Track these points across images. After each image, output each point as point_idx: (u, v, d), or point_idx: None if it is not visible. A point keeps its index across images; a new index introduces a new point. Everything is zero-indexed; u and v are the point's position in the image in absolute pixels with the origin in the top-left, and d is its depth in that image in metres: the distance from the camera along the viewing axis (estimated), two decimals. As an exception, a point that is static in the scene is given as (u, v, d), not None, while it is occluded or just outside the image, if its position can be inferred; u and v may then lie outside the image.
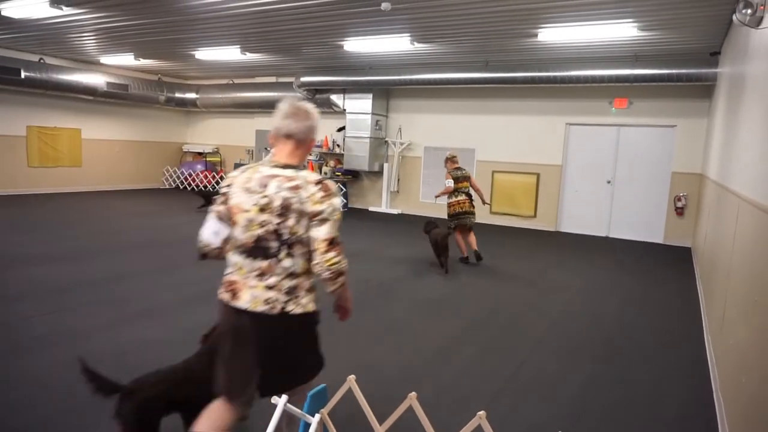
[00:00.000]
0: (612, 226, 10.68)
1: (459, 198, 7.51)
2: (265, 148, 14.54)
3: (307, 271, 2.26)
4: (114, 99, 13.53)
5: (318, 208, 2.12)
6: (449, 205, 7.57)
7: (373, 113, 12.42)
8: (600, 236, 10.65)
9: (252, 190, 2.18)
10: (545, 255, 8.49)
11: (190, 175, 15.41)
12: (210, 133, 16.19)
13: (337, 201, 2.22)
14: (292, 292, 2.22)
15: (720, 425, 3.21)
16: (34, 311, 4.67)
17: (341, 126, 13.12)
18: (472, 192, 7.66)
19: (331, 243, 2.14)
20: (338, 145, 13.38)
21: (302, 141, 2.28)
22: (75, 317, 4.57)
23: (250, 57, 11.16)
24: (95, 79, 12.78)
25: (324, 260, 2.14)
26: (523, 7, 6.65)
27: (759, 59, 3.81)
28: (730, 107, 5.59)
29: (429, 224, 7.39)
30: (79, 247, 7.30)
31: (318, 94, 12.91)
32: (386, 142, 12.95)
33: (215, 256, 2.38)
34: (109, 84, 13.02)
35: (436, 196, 7.87)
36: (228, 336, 2.27)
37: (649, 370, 4.06)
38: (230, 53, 10.77)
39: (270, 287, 2.18)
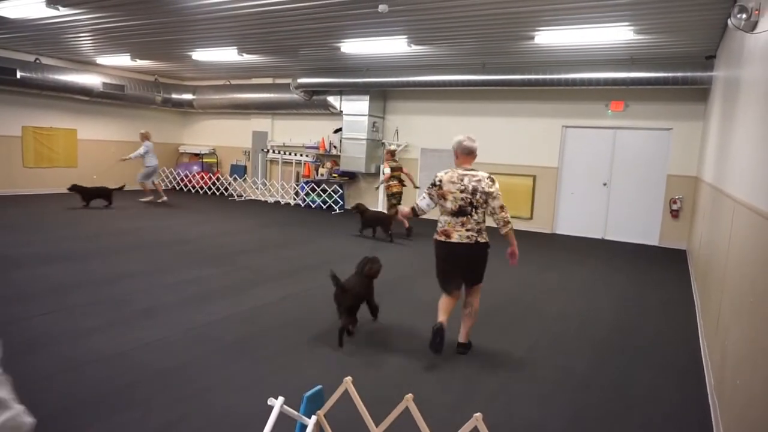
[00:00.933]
0: (608, 228, 10.71)
1: (392, 182, 9.70)
2: (262, 149, 14.53)
3: (484, 222, 4.16)
4: (110, 99, 13.50)
5: (491, 189, 4.09)
6: (387, 187, 9.77)
7: (369, 115, 12.43)
8: (596, 238, 10.68)
9: (454, 182, 4.13)
10: (541, 257, 8.50)
11: (186, 176, 15.38)
12: (206, 135, 16.16)
13: (498, 185, 4.16)
14: (479, 232, 4.13)
15: (714, 427, 3.23)
16: (33, 312, 4.65)
17: (338, 128, 13.13)
18: (403, 178, 9.88)
19: (502, 207, 4.09)
20: (335, 147, 13.38)
21: (475, 154, 4.32)
22: (73, 318, 4.55)
23: (247, 58, 11.15)
24: (91, 80, 12.75)
25: (500, 217, 4.09)
26: (520, 10, 6.68)
27: (754, 63, 3.83)
28: (726, 111, 5.62)
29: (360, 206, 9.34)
30: (75, 247, 7.28)
31: (315, 95, 12.92)
32: (383, 143, 12.96)
33: (421, 215, 4.38)
34: (105, 84, 13.00)
35: (381, 183, 9.97)
36: (445, 258, 4.20)
37: (644, 371, 4.08)
38: (227, 54, 10.76)
39: (468, 230, 4.10)
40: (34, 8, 7.77)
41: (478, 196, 4.04)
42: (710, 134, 7.48)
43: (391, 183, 9.77)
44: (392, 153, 10.08)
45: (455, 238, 4.07)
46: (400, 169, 9.95)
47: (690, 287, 6.88)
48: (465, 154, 4.22)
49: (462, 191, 4.05)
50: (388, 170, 9.69)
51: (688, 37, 7.55)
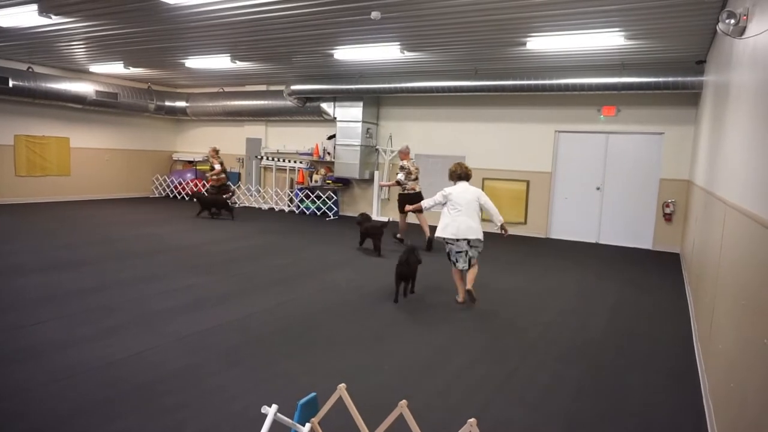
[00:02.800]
0: (601, 232, 10.75)
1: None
2: (256, 156, 14.52)
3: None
4: (103, 107, 13.47)
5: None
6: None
7: (363, 121, 12.45)
8: (590, 242, 10.71)
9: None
10: (536, 262, 8.52)
11: (180, 183, 15.34)
12: (200, 142, 16.13)
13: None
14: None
15: (710, 431, 3.23)
16: (25, 321, 4.61)
17: (332, 134, 13.14)
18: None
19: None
20: (329, 153, 13.38)
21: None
22: (66, 326, 4.51)
23: (241, 65, 11.16)
24: (84, 88, 12.72)
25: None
26: (512, 16, 6.72)
27: (742, 68, 3.87)
28: (716, 115, 5.66)
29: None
30: (67, 256, 7.23)
31: (308, 102, 12.93)
32: (377, 149, 12.98)
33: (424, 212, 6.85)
34: (98, 92, 12.97)
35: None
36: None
37: (639, 375, 4.08)
38: (220, 62, 10.77)
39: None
40: (26, 17, 7.75)
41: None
42: (701, 138, 7.54)
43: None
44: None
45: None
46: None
47: (684, 291, 6.91)
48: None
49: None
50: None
51: (678, 42, 7.62)
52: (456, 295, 5.93)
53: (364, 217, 9.02)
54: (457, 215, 5.73)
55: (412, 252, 5.88)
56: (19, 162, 12.58)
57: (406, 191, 9.28)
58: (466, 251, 5.74)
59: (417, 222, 9.63)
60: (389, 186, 10.80)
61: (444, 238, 5.81)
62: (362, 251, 8.67)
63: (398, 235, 9.48)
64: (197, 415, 3.15)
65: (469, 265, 5.76)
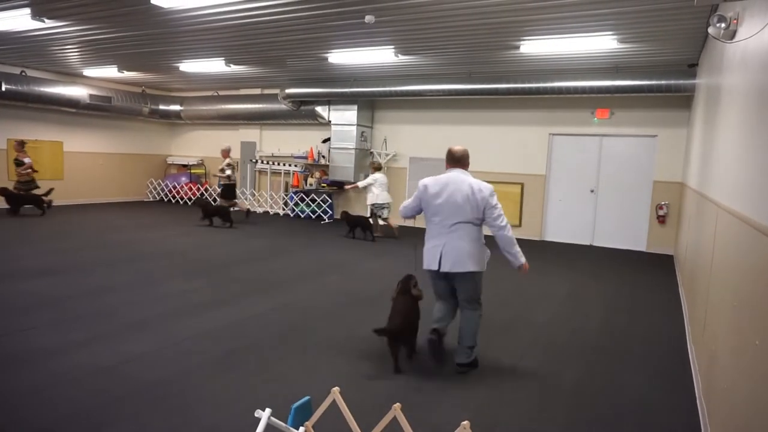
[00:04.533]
0: (596, 234, 10.79)
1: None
2: (250, 160, 14.50)
3: None
4: (97, 111, 13.42)
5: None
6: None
7: (358, 124, 12.46)
8: (584, 245, 10.75)
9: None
10: (530, 264, 8.50)
11: (174, 187, 15.29)
12: (194, 146, 16.10)
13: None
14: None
15: (704, 431, 3.25)
16: (19, 326, 4.58)
17: (326, 137, 13.14)
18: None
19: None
20: (323, 157, 13.38)
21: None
22: (60, 332, 4.48)
23: (235, 69, 11.16)
24: (78, 92, 12.67)
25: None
26: (505, 20, 6.75)
27: (733, 71, 3.91)
28: (708, 117, 5.71)
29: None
30: (62, 261, 7.19)
31: (303, 105, 12.94)
32: (371, 153, 12.99)
33: None
34: (91, 96, 12.92)
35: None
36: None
37: (634, 377, 4.09)
38: (215, 65, 10.76)
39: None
40: (19, 21, 7.73)
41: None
42: (694, 140, 7.59)
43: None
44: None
45: None
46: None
47: (677, 292, 6.94)
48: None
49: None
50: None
51: (670, 45, 7.67)
52: None
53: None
54: None
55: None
56: (12, 166, 12.49)
57: (231, 182, 11.68)
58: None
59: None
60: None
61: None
62: (353, 254, 8.67)
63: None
64: (193, 419, 3.14)
65: None
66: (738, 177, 3.10)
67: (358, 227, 10.28)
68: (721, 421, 2.75)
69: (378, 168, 10.80)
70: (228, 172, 11.66)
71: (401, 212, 4.37)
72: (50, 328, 4.58)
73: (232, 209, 11.41)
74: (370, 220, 10.38)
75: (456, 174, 4.20)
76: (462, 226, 4.09)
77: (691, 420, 3.44)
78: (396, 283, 4.49)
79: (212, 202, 12.06)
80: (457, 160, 4.25)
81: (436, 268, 4.07)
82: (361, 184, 10.95)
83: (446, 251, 4.03)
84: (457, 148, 4.30)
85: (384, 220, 10.69)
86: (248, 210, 12.49)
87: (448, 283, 4.19)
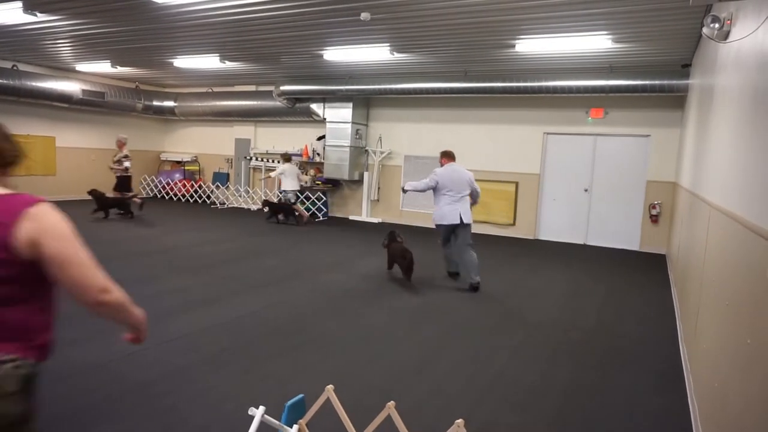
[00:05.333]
0: (589, 233, 10.84)
1: None
2: (245, 157, 14.45)
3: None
4: (90, 107, 13.32)
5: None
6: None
7: (353, 122, 12.44)
8: (578, 244, 10.79)
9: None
10: (524, 263, 8.57)
11: (168, 183, 15.22)
12: (188, 142, 16.03)
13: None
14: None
15: (694, 430, 3.27)
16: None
17: (321, 135, 13.11)
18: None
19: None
20: (318, 154, 13.36)
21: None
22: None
23: (229, 65, 11.11)
24: (70, 87, 12.57)
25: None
26: (501, 19, 6.76)
27: (726, 72, 3.93)
28: (701, 118, 5.74)
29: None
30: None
31: (298, 102, 12.90)
32: (366, 150, 12.98)
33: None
34: (84, 91, 12.83)
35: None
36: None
37: (625, 376, 4.12)
38: (209, 62, 10.71)
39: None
40: (11, 14, 7.65)
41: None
42: (687, 140, 7.64)
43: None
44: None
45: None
46: None
47: (670, 291, 6.98)
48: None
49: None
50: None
51: (664, 45, 7.71)
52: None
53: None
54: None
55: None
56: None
57: (128, 174, 11.64)
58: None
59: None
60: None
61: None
62: (348, 252, 8.67)
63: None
64: (186, 417, 3.13)
65: None
66: (730, 177, 3.12)
67: (282, 213, 11.62)
68: (713, 420, 2.77)
69: (288, 159, 11.86)
70: (126, 164, 11.48)
71: (412, 187, 6.91)
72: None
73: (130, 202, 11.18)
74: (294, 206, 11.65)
75: (455, 165, 6.94)
76: (465, 196, 6.76)
77: (682, 419, 3.46)
78: (383, 241, 7.19)
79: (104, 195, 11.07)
80: (452, 156, 7.08)
81: (458, 222, 6.62)
82: (273, 174, 12.27)
83: (463, 211, 6.65)
84: (450, 150, 7.21)
85: (292, 205, 11.68)
86: (142, 202, 11.89)
87: (454, 231, 6.76)
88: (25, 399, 1.55)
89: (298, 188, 11.92)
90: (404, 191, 7.13)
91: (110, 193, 11.37)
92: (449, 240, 6.92)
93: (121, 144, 11.53)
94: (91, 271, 1.64)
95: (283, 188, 11.90)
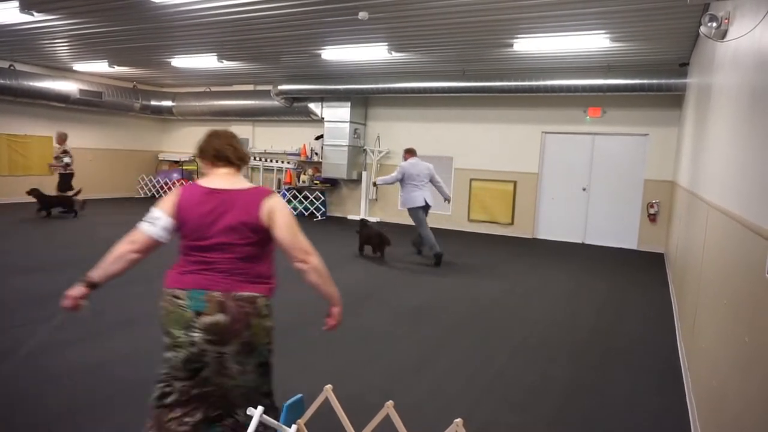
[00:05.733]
0: (587, 232, 10.85)
1: None
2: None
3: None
4: (87, 106, 13.29)
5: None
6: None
7: (351, 122, 12.44)
8: (576, 243, 10.80)
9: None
10: (523, 262, 8.57)
11: (166, 183, 15.20)
12: (186, 142, 15.98)
13: None
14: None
15: (693, 430, 3.27)
16: (7, 323, 4.53)
17: (319, 134, 13.10)
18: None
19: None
20: (316, 154, 13.35)
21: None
22: (46, 329, 4.44)
23: (227, 65, 11.09)
24: (68, 86, 12.54)
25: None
26: (499, 18, 6.76)
27: (724, 71, 3.93)
28: (699, 117, 5.74)
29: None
30: (51, 257, 7.12)
31: (296, 102, 12.89)
32: (364, 150, 12.97)
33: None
34: (82, 91, 12.79)
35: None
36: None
37: (624, 375, 4.12)
38: (207, 61, 10.69)
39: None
40: (7, 14, 7.63)
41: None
42: (685, 139, 7.65)
43: None
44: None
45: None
46: None
47: (668, 290, 6.99)
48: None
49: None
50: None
51: (662, 44, 7.72)
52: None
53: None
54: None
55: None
56: (0, 161, 12.37)
57: (68, 171, 11.19)
58: None
59: None
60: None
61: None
62: (346, 251, 8.66)
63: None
64: (182, 418, 3.11)
65: None
66: (728, 176, 3.12)
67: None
68: (711, 418, 2.77)
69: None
70: (66, 160, 11.02)
71: (383, 181, 8.45)
72: (39, 326, 4.54)
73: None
74: None
75: (416, 160, 8.24)
76: (427, 184, 8.09)
77: (681, 418, 3.46)
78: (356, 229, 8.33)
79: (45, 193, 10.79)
80: (414, 153, 8.36)
81: (423, 204, 8.00)
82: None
83: (426, 196, 8.03)
84: (412, 147, 8.53)
85: None
86: (84, 201, 11.55)
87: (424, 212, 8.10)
88: (271, 318, 2.47)
89: None
90: (375, 185, 9.02)
91: (55, 192, 11.02)
92: (425, 220, 8.05)
93: (61, 139, 11.02)
94: (301, 237, 2.39)
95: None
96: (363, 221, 8.69)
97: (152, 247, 2.49)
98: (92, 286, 2.53)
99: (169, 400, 2.32)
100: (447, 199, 8.33)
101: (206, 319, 2.23)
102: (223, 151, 2.41)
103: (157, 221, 2.42)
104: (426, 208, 8.04)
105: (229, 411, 2.35)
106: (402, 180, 8.05)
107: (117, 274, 2.49)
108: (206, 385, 2.30)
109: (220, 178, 2.39)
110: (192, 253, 2.38)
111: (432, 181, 8.11)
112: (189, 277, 2.35)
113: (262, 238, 2.33)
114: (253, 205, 2.29)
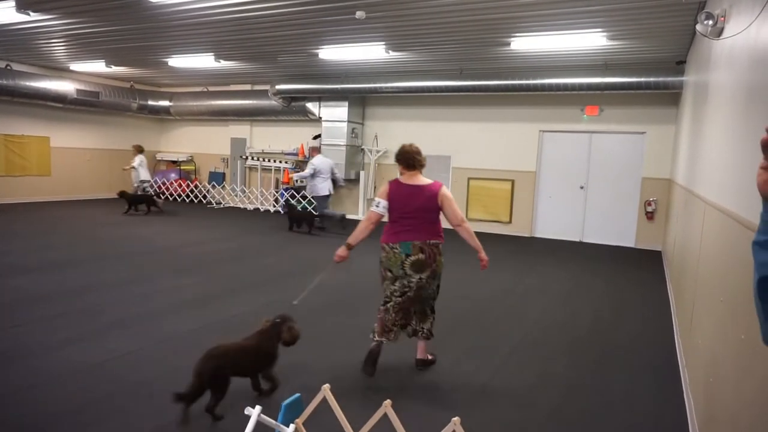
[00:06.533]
0: (585, 230, 10.86)
1: None
2: (240, 156, 14.42)
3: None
4: (84, 106, 13.26)
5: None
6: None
7: (349, 121, 12.43)
8: (574, 241, 10.82)
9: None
10: (521, 260, 8.58)
11: (164, 183, 15.17)
12: (184, 142, 15.98)
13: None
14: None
15: (690, 426, 3.28)
16: (5, 323, 4.52)
17: (317, 134, 13.10)
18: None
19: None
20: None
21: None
22: (47, 329, 4.44)
23: (225, 64, 11.08)
24: (65, 86, 12.51)
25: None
26: (496, 16, 6.76)
27: (720, 69, 3.94)
28: (695, 115, 5.75)
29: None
30: (48, 257, 7.11)
31: (293, 101, 12.87)
32: (362, 149, 12.97)
33: None
34: (79, 91, 12.77)
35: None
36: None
37: (622, 372, 4.13)
38: (204, 61, 10.68)
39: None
40: (3, 13, 7.61)
41: None
42: (682, 137, 7.66)
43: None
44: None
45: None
46: None
47: (666, 288, 7.01)
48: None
49: None
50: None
51: (659, 42, 7.72)
52: None
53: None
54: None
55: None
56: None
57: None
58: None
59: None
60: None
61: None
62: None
63: None
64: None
65: None
66: (725, 173, 3.13)
67: (142, 203, 11.83)
68: (708, 415, 2.78)
69: (140, 150, 12.55)
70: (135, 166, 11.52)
71: (299, 176, 10.78)
72: (37, 326, 4.54)
73: None
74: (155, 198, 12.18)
75: (322, 156, 10.48)
76: (329, 177, 10.34)
77: (678, 414, 3.47)
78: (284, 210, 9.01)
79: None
80: (320, 150, 10.82)
81: (328, 193, 10.42)
82: (135, 164, 12.53)
83: (329, 186, 10.37)
84: (318, 145, 11.16)
85: (153, 196, 12.28)
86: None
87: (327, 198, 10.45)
88: (443, 257, 3.87)
89: (150, 178, 12.60)
90: (295, 180, 10.60)
91: None
92: (327, 204, 10.67)
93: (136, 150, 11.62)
94: (459, 212, 3.84)
95: (140, 179, 12.53)
96: (292, 206, 11.30)
97: (379, 220, 3.88)
98: (350, 247, 3.96)
99: (390, 308, 3.86)
100: (341, 185, 11.36)
101: (412, 258, 3.74)
102: (411, 160, 3.94)
103: (380, 204, 3.88)
104: (329, 196, 10.56)
105: (410, 320, 3.97)
106: (314, 175, 10.19)
107: (363, 239, 3.90)
108: (410, 299, 3.83)
109: (410, 177, 3.93)
110: (399, 221, 3.82)
111: (333, 173, 10.45)
112: (400, 235, 3.78)
113: (437, 211, 3.85)
114: (433, 195, 3.82)
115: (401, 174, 3.98)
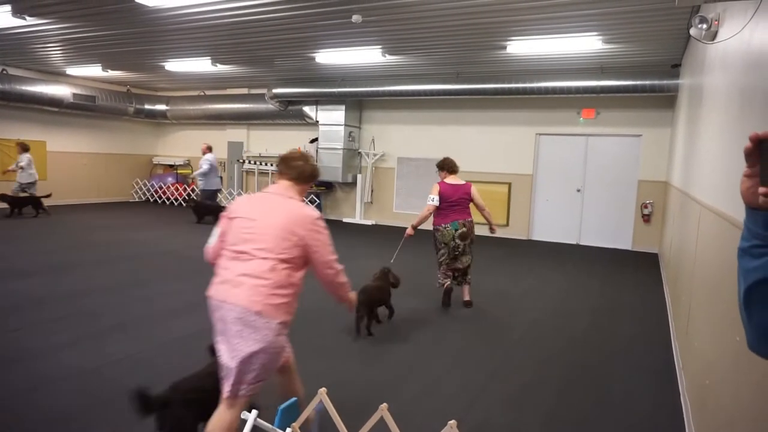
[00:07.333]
0: (582, 233, 10.88)
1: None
2: (237, 160, 14.41)
3: None
4: (81, 111, 13.25)
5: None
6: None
7: (345, 125, 12.45)
8: (571, 244, 10.83)
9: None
10: (518, 263, 8.59)
11: (161, 187, 15.16)
12: (181, 146, 15.97)
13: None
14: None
15: (687, 429, 3.28)
16: (3, 328, 4.51)
17: (314, 137, 13.10)
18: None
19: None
20: (311, 157, 13.33)
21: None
22: (45, 333, 4.42)
23: (221, 68, 11.08)
24: (61, 91, 12.50)
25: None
26: (492, 20, 6.78)
27: (714, 72, 3.96)
28: (691, 117, 5.78)
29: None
30: (45, 262, 7.08)
31: (290, 105, 12.89)
32: (359, 153, 12.98)
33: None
34: (75, 95, 12.75)
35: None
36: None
37: (619, 375, 4.13)
38: (201, 65, 10.68)
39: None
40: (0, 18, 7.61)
41: None
42: (677, 140, 7.69)
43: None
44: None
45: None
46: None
47: (662, 290, 7.02)
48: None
49: None
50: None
51: (654, 46, 7.76)
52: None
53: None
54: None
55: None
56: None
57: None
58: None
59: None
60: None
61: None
62: (341, 254, 8.64)
63: None
64: (177, 422, 3.10)
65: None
66: (719, 176, 3.14)
67: (27, 206, 11.07)
68: (704, 417, 2.78)
69: (26, 149, 11.21)
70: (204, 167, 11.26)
71: (198, 173, 11.49)
72: (35, 330, 4.52)
73: None
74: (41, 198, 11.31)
75: (214, 155, 11.49)
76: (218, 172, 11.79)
77: (674, 416, 3.48)
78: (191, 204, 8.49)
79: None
80: (212, 149, 11.30)
81: (220, 187, 11.49)
82: (22, 163, 11.18)
83: (220, 182, 11.97)
84: (210, 144, 11.33)
85: (33, 195, 11.36)
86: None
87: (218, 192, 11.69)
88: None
89: (36, 179, 11.45)
90: (198, 179, 11.31)
91: None
92: (215, 197, 11.66)
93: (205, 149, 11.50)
94: (482, 201, 5.80)
95: (33, 180, 11.36)
96: (196, 203, 11.73)
97: (435, 209, 5.62)
98: (414, 227, 5.71)
99: (445, 264, 5.73)
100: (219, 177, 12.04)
101: (460, 231, 5.57)
102: (454, 168, 5.74)
103: (435, 198, 5.57)
104: (220, 190, 11.86)
105: (456, 273, 5.84)
106: (210, 171, 11.16)
107: (422, 223, 5.64)
108: (457, 259, 5.70)
109: (453, 179, 5.70)
110: (449, 208, 5.58)
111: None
112: (449, 217, 5.58)
113: (470, 200, 5.69)
114: (468, 190, 5.68)
115: (444, 177, 5.68)
